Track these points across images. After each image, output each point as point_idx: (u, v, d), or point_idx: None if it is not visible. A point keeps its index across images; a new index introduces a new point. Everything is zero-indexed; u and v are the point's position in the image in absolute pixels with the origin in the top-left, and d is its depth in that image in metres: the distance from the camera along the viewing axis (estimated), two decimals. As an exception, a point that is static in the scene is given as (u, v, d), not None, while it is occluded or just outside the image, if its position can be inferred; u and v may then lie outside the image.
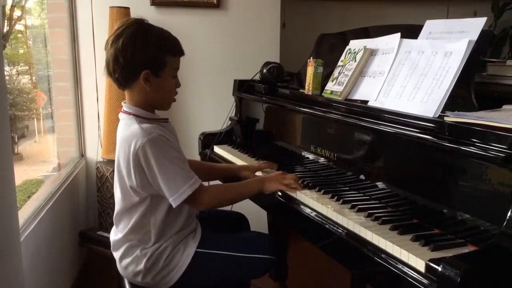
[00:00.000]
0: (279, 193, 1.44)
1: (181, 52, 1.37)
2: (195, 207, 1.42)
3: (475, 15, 3.18)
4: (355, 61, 1.52)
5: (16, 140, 2.21)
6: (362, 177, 1.37)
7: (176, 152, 1.34)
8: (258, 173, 1.63)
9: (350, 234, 1.14)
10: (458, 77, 1.19)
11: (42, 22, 2.57)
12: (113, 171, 2.31)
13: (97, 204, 2.49)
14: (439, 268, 0.86)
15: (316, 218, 1.27)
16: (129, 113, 1.35)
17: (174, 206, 1.31)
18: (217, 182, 1.70)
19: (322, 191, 1.37)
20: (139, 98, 1.35)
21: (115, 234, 1.43)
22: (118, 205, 1.39)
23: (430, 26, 1.38)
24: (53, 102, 2.54)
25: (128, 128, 1.32)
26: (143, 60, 1.29)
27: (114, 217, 1.42)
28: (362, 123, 1.34)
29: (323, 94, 1.62)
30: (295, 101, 1.73)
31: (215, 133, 2.11)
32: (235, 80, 2.17)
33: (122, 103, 1.39)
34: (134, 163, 1.28)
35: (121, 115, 1.38)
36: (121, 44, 1.28)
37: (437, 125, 1.12)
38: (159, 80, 1.33)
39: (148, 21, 1.36)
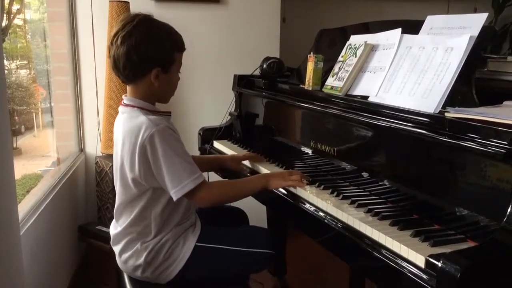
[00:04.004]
0: (280, 189, 1.44)
1: (184, 48, 1.40)
2: (196, 203, 1.41)
3: (475, 11, 3.18)
4: (355, 56, 1.52)
5: (15, 134, 2.21)
6: (362, 172, 1.38)
7: (182, 145, 1.34)
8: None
9: (350, 229, 1.14)
10: (459, 73, 1.19)
11: (41, 16, 2.56)
12: (112, 165, 2.31)
13: (96, 199, 2.49)
14: (439, 264, 0.86)
15: (316, 213, 1.27)
16: (133, 106, 1.35)
17: (174, 199, 1.31)
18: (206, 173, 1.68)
19: (322, 186, 1.37)
20: (143, 92, 1.36)
21: (115, 228, 1.43)
22: (118, 199, 1.40)
23: (431, 21, 1.37)
24: (52, 96, 2.53)
25: (134, 120, 1.32)
26: (157, 57, 1.31)
27: (114, 211, 1.42)
28: (362, 119, 1.34)
29: (323, 89, 1.61)
30: (295, 96, 1.73)
31: (214, 128, 2.11)
32: (235, 75, 2.16)
33: (123, 96, 1.39)
34: (140, 153, 1.28)
35: (122, 108, 1.38)
36: (135, 41, 1.28)
37: (438, 121, 1.12)
38: (167, 76, 1.35)
39: (154, 16, 1.36)
